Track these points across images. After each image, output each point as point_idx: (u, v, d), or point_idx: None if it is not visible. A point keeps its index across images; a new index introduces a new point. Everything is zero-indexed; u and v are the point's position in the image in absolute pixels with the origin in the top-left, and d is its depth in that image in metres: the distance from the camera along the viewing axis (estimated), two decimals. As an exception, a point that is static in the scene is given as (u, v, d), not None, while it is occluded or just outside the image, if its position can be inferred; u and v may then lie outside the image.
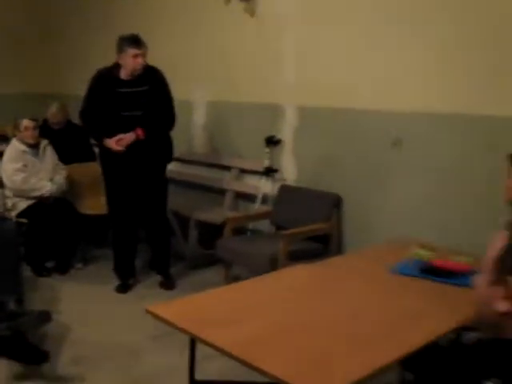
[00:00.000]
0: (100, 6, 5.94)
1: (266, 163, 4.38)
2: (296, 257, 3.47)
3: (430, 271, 2.47)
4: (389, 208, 3.72)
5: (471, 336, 1.75)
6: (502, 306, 1.20)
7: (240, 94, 4.62)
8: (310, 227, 3.77)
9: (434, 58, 3.43)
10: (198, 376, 2.14)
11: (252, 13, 4.41)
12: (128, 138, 3.79)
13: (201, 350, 1.94)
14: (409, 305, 2.18)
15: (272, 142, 4.33)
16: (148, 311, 1.99)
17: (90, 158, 4.95)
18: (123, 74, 3.84)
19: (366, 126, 3.77)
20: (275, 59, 4.30)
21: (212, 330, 1.86)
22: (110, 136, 3.81)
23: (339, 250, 3.90)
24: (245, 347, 1.75)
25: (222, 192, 4.76)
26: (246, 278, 3.84)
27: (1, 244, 3.00)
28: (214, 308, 2.10)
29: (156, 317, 1.96)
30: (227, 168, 4.76)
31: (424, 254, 2.59)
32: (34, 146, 4.41)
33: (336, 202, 3.93)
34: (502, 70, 3.16)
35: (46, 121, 5.05)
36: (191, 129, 5.08)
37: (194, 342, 2.03)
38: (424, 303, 2.19)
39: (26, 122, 4.36)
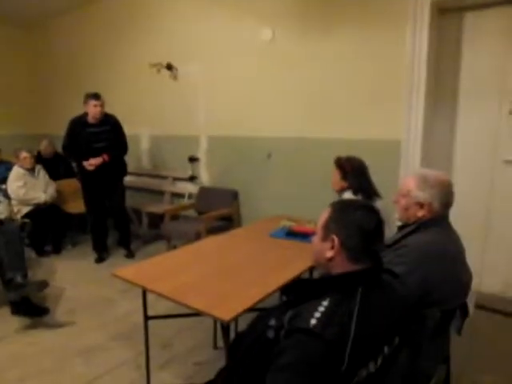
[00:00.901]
0: (73, 72, 5.78)
1: (190, 173, 4.41)
2: (212, 231, 3.53)
3: (293, 234, 2.46)
4: (268, 197, 3.82)
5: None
6: (328, 254, 1.16)
7: (171, 129, 4.60)
8: (219, 212, 3.84)
9: (288, 102, 3.55)
10: (151, 313, 2.10)
11: (175, 78, 4.45)
12: (97, 161, 3.74)
13: (151, 296, 1.89)
14: (281, 255, 2.17)
15: (193, 159, 4.37)
16: (113, 274, 1.96)
17: (71, 175, 4.81)
18: (89, 119, 3.77)
19: (252, 146, 3.86)
20: (192, 106, 4.32)
21: (156, 283, 1.82)
22: (86, 159, 3.74)
23: (239, 225, 3.98)
24: (177, 292, 1.72)
25: (162, 193, 4.71)
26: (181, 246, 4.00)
27: (11, 237, 2.90)
28: (157, 268, 2.03)
29: (120, 278, 1.93)
30: (165, 177, 4.71)
31: (289, 224, 2.65)
32: (31, 170, 4.25)
33: (234, 195, 4.02)
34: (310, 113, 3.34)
35: (39, 152, 4.86)
36: (140, 153, 5.00)
37: (145, 292, 1.96)
38: (290, 254, 2.18)
39: (24, 153, 4.21)
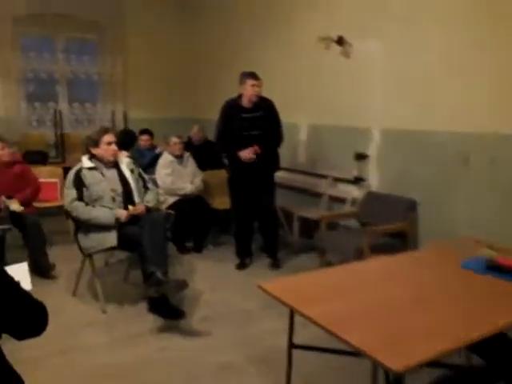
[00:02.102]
0: (226, 53, 6.21)
1: (355, 173, 4.32)
2: (377, 249, 3.36)
3: (497, 269, 2.20)
4: (458, 213, 3.48)
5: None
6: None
7: (335, 118, 4.55)
8: (390, 225, 3.64)
9: (500, 83, 3.17)
10: (295, 340, 2.11)
11: (347, 55, 4.35)
12: (251, 151, 3.91)
13: (298, 319, 1.87)
14: (476, 296, 1.96)
15: (360, 156, 4.25)
16: (259, 286, 1.98)
17: (220, 166, 5.11)
18: (244, 102, 3.95)
19: (439, 144, 3.57)
20: (365, 91, 4.20)
21: (307, 304, 1.80)
22: (238, 150, 3.93)
23: (415, 246, 3.72)
24: (332, 320, 1.68)
25: (318, 195, 4.72)
26: (336, 263, 3.81)
27: (154, 228, 3.14)
28: (309, 287, 2.03)
29: (265, 291, 1.95)
30: (323, 176, 4.70)
31: (490, 254, 2.36)
32: (180, 157, 4.68)
33: (412, 206, 3.76)
34: None
35: (189, 138, 5.36)
36: (296, 145, 5.08)
37: (292, 313, 1.96)
38: (490, 297, 1.95)
39: (174, 139, 4.65)
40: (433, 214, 3.68)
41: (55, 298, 3.40)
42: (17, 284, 1.36)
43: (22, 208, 3.75)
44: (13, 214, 3.70)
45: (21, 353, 1.47)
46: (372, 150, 4.23)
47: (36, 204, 4.23)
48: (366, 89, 4.21)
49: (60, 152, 6.36)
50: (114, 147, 3.42)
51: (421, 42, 3.70)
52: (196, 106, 6.95)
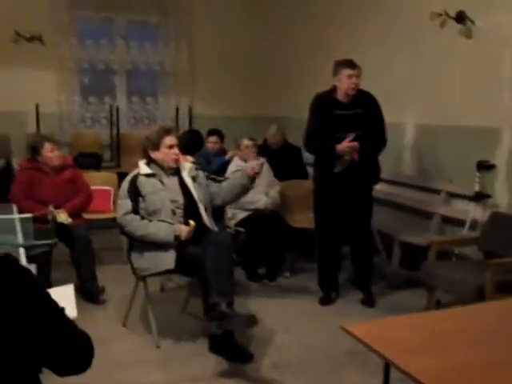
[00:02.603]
0: (316, 40, 6.24)
1: (477, 188, 4.19)
2: (504, 288, 3.22)
3: None
4: None
5: None
6: None
7: (451, 117, 4.49)
8: None
9: None
10: None
11: (468, 35, 4.25)
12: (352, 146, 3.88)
13: (396, 374, 1.82)
14: None
15: (484, 166, 4.13)
16: (344, 329, 1.96)
17: (303, 175, 5.15)
18: (339, 96, 3.98)
19: None
20: (492, 81, 4.10)
21: (407, 357, 1.75)
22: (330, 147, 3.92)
23: None
24: (438, 379, 1.62)
25: (428, 215, 4.64)
26: (449, 305, 3.67)
27: (220, 249, 3.20)
28: (411, 333, 1.98)
29: (352, 335, 1.92)
30: (435, 191, 4.63)
31: None
32: None
33: None
34: None
35: (265, 141, 5.45)
36: (400, 150, 5.03)
37: (388, 367, 1.94)
38: None
39: (246, 141, 4.77)
40: None
41: (103, 327, 3.56)
42: (61, 312, 1.43)
43: (70, 220, 3.97)
44: (60, 226, 3.92)
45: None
46: (500, 159, 4.13)
47: (86, 215, 4.49)
48: (494, 78, 4.13)
49: (115, 155, 6.76)
50: (175, 151, 3.55)
51: None
52: (275, 102, 7.04)
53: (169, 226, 3.35)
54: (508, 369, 1.74)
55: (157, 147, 3.52)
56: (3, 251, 1.44)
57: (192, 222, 3.39)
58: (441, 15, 4.37)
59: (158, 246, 3.35)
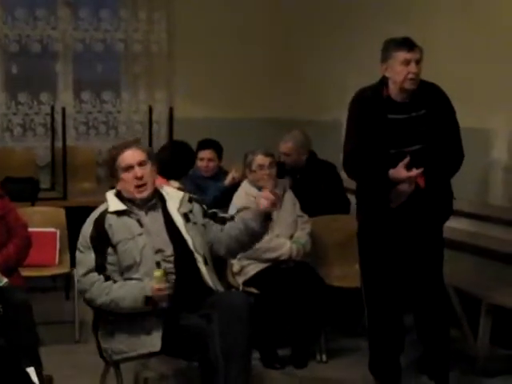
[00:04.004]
0: (351, 14, 6.47)
1: None
2: None
3: None
4: None
5: None
6: None
7: None
8: None
9: None
10: None
11: None
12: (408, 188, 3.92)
13: None
14: None
15: None
16: None
17: (343, 207, 5.28)
18: (393, 92, 4.04)
19: None
20: None
21: None
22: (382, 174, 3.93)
23: None
24: None
25: None
26: None
27: (232, 319, 3.29)
28: None
29: None
30: None
31: None
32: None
33: None
34: None
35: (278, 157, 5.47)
36: (487, 169, 5.16)
37: None
38: None
39: (260, 158, 4.87)
40: None
41: None
42: None
43: (5, 280, 4.10)
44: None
45: None
46: None
47: (23, 271, 4.61)
48: None
49: (59, 180, 6.87)
50: (137, 173, 3.61)
51: None
52: (294, 101, 7.23)
53: (137, 285, 3.45)
54: None
55: (113, 173, 3.70)
56: None
57: (158, 272, 3.42)
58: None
59: (140, 316, 3.46)
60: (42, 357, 4.25)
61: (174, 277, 3.56)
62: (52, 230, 5.44)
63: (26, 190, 6.26)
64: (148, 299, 3.38)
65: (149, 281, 3.43)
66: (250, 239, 3.76)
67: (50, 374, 4.24)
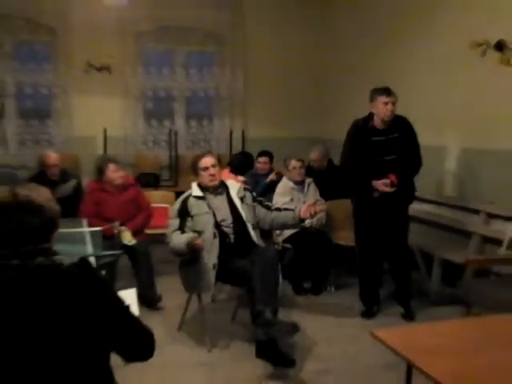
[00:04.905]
0: (356, 64, 6.43)
1: None
2: None
3: None
4: None
5: None
6: None
7: (494, 142, 4.49)
8: None
9: None
10: None
11: (508, 62, 4.26)
12: (386, 184, 3.94)
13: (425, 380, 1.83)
14: None
15: None
16: (372, 333, 2.03)
17: (345, 195, 5.17)
18: (376, 123, 4.02)
19: None
20: None
21: (428, 358, 1.80)
22: (368, 179, 3.99)
23: None
24: (456, 380, 1.67)
25: (467, 235, 4.64)
26: None
27: (266, 263, 3.38)
28: (439, 338, 2.01)
29: (379, 340, 1.97)
30: (475, 211, 4.61)
31: None
32: (301, 183, 4.91)
33: None
34: None
35: (309, 162, 5.49)
36: (441, 172, 5.06)
37: (410, 369, 2.01)
38: None
39: (294, 162, 4.87)
40: None
41: (160, 331, 3.69)
42: (127, 308, 1.66)
43: (134, 241, 4.27)
44: (124, 245, 4.24)
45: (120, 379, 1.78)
46: None
47: (148, 230, 4.76)
48: None
49: (173, 175, 7.05)
50: (211, 171, 3.72)
51: None
52: (321, 125, 7.24)
53: (184, 236, 3.50)
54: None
55: (195, 171, 3.77)
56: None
57: (195, 235, 3.50)
58: (481, 44, 4.46)
59: (200, 263, 3.54)
60: (156, 283, 4.44)
61: (232, 237, 3.66)
62: (166, 205, 5.53)
63: (151, 181, 6.46)
64: (187, 245, 3.42)
65: (188, 236, 3.49)
66: (286, 227, 4.14)
67: (161, 294, 4.39)
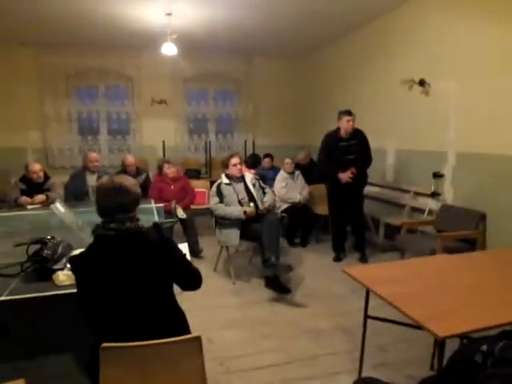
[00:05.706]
0: (330, 93, 6.30)
1: (432, 189, 4.17)
2: (449, 251, 3.11)
3: None
4: None
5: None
6: None
7: (417, 144, 4.45)
8: (461, 232, 3.49)
9: None
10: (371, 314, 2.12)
11: (426, 94, 4.25)
12: (347, 175, 3.95)
13: (376, 301, 1.85)
14: None
15: (437, 175, 4.11)
16: (343, 271, 2.06)
17: (322, 181, 5.22)
18: (342, 134, 4.00)
19: (504, 165, 3.35)
20: (442, 122, 4.05)
21: (380, 286, 1.83)
22: (339, 171, 3.96)
23: (483, 250, 3.44)
24: (398, 298, 1.69)
25: (401, 206, 4.62)
26: None
27: (271, 226, 3.42)
28: (384, 273, 2.04)
29: (348, 274, 2.00)
30: (406, 191, 4.59)
31: None
32: (292, 173, 4.90)
33: (481, 217, 3.55)
34: None
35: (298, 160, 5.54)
36: (384, 166, 5.02)
37: (368, 292, 1.98)
38: None
39: (287, 159, 4.88)
40: (501, 226, 3.44)
41: (202, 271, 3.56)
42: (184, 255, 1.70)
43: (184, 215, 4.29)
44: (178, 217, 4.26)
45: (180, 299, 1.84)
46: (447, 170, 4.07)
47: (192, 206, 4.74)
48: (443, 120, 4.06)
49: (208, 170, 7.00)
50: (238, 167, 3.70)
51: (487, 84, 3.52)
52: (307, 136, 7.16)
53: (240, 208, 3.54)
54: (444, 291, 1.79)
55: (227, 166, 3.73)
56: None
57: (252, 204, 3.57)
58: (409, 81, 4.44)
59: (230, 225, 3.53)
60: (200, 240, 4.38)
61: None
62: (204, 189, 5.57)
63: (194, 174, 6.42)
64: (244, 213, 3.45)
65: (243, 208, 3.51)
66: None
67: (202, 247, 4.39)
